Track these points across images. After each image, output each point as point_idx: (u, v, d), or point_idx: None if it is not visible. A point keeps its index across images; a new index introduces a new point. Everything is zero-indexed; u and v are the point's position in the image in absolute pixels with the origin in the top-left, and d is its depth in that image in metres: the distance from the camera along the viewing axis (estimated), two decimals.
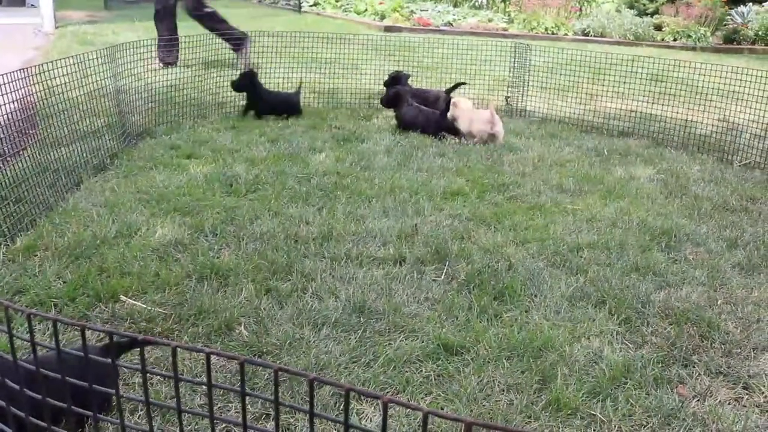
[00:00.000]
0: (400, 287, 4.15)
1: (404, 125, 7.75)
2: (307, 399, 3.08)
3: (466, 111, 7.73)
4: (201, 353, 3.36)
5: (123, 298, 3.87)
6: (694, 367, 3.54)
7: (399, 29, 16.89)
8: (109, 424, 2.81)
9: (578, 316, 3.93)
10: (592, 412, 3.13)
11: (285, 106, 8.09)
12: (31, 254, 4.36)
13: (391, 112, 8.32)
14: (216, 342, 3.53)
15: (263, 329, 3.62)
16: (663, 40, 18.00)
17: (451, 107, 7.69)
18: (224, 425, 2.97)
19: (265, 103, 8.04)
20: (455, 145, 7.33)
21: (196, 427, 2.90)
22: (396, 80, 8.33)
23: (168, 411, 2.94)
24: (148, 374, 3.25)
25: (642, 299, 4.14)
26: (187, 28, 10.50)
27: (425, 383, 3.28)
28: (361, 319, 3.77)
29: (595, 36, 17.84)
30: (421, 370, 3.36)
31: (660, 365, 3.52)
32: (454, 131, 7.63)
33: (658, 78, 8.65)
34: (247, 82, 7.93)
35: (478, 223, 5.18)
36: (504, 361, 3.44)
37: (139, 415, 2.97)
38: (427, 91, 8.53)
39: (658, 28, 18.60)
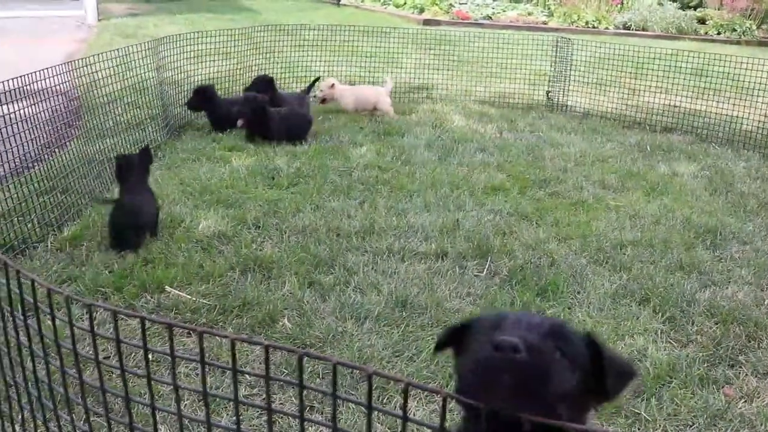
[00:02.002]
0: (442, 282, 4.15)
1: (276, 137, 6.83)
2: (351, 392, 3.10)
3: (350, 89, 8.27)
4: (257, 345, 3.41)
5: (168, 288, 3.92)
6: (740, 367, 3.49)
7: (438, 22, 16.82)
8: (159, 412, 2.85)
9: (622, 314, 3.90)
10: (637, 411, 3.11)
11: None
12: (78, 244, 4.44)
13: (428, 106, 8.31)
14: (260, 334, 3.56)
15: (306, 322, 3.65)
16: (706, 33, 17.73)
17: (328, 90, 8.01)
18: (264, 415, 2.98)
19: None
20: (495, 140, 7.29)
21: (241, 418, 2.92)
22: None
23: (214, 401, 2.97)
24: (193, 364, 3.29)
25: (687, 298, 4.10)
26: (228, 21, 10.57)
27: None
28: (404, 313, 3.78)
29: (636, 30, 17.61)
30: None
31: (705, 365, 3.48)
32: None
33: (701, 73, 8.51)
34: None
35: (519, 218, 5.16)
36: None
37: (185, 404, 3.00)
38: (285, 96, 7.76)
39: (702, 21, 18.32)
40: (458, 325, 1.74)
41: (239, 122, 6.87)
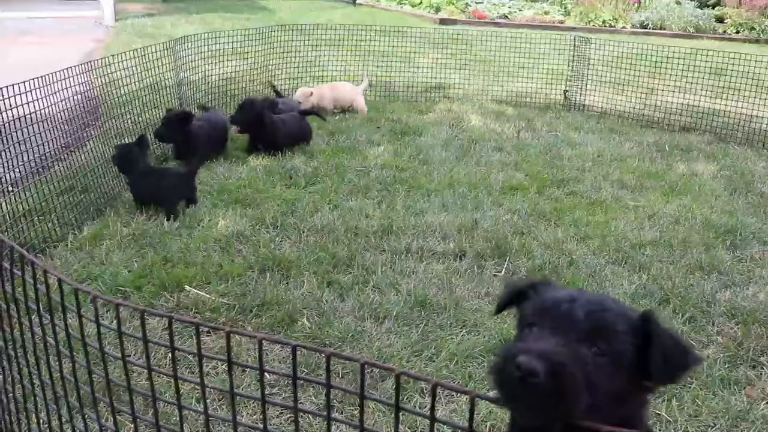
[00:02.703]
0: (460, 282, 4.14)
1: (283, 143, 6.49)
2: (371, 391, 3.10)
3: (327, 87, 8.17)
4: (276, 345, 3.42)
5: (187, 288, 3.93)
6: (762, 368, 3.46)
7: (454, 22, 16.80)
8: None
9: None
10: (658, 412, 3.09)
11: None
12: (97, 242, 4.47)
13: (444, 105, 8.28)
14: (279, 333, 3.57)
15: (325, 321, 3.65)
16: (725, 32, 17.60)
17: (306, 100, 7.74)
18: (287, 415, 2.99)
19: None
20: (513, 139, 7.27)
21: (261, 417, 2.93)
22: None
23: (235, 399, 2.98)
24: (221, 363, 3.30)
25: (707, 298, 4.07)
26: (245, 21, 10.60)
27: (488, 378, 3.26)
28: (423, 313, 3.78)
29: (654, 29, 17.52)
30: (483, 365, 3.35)
31: (727, 366, 3.45)
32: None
33: (720, 72, 8.44)
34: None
35: (538, 218, 5.15)
36: None
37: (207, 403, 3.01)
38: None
39: (720, 20, 18.19)
40: (517, 288, 1.74)
41: (234, 129, 6.43)
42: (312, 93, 7.90)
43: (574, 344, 1.44)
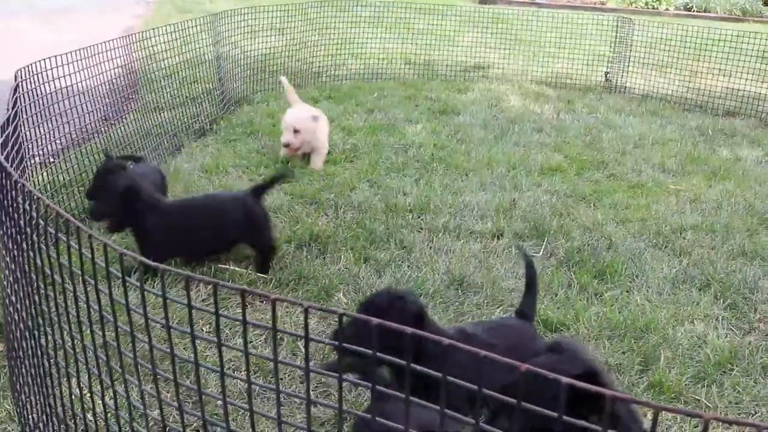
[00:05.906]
0: (497, 261, 4.11)
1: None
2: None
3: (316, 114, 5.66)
4: (333, 314, 3.43)
5: (223, 265, 3.94)
6: None
7: (494, 1, 16.58)
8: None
9: (681, 299, 3.82)
10: (697, 397, 3.05)
11: None
12: None
13: (483, 85, 8.21)
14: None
15: (362, 297, 3.64)
16: None
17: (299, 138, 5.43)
18: (323, 389, 3.00)
19: None
20: (552, 120, 7.19)
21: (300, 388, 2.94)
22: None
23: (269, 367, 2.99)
24: (256, 336, 3.32)
25: (749, 285, 4.00)
26: None
27: None
28: (459, 291, 3.76)
29: (698, 11, 17.16)
30: None
31: None
32: None
33: (766, 55, 8.26)
34: None
35: (577, 200, 5.09)
36: (605, 340, 3.38)
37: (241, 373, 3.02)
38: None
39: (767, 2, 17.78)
40: None
41: None
42: (318, 117, 5.57)
43: None
